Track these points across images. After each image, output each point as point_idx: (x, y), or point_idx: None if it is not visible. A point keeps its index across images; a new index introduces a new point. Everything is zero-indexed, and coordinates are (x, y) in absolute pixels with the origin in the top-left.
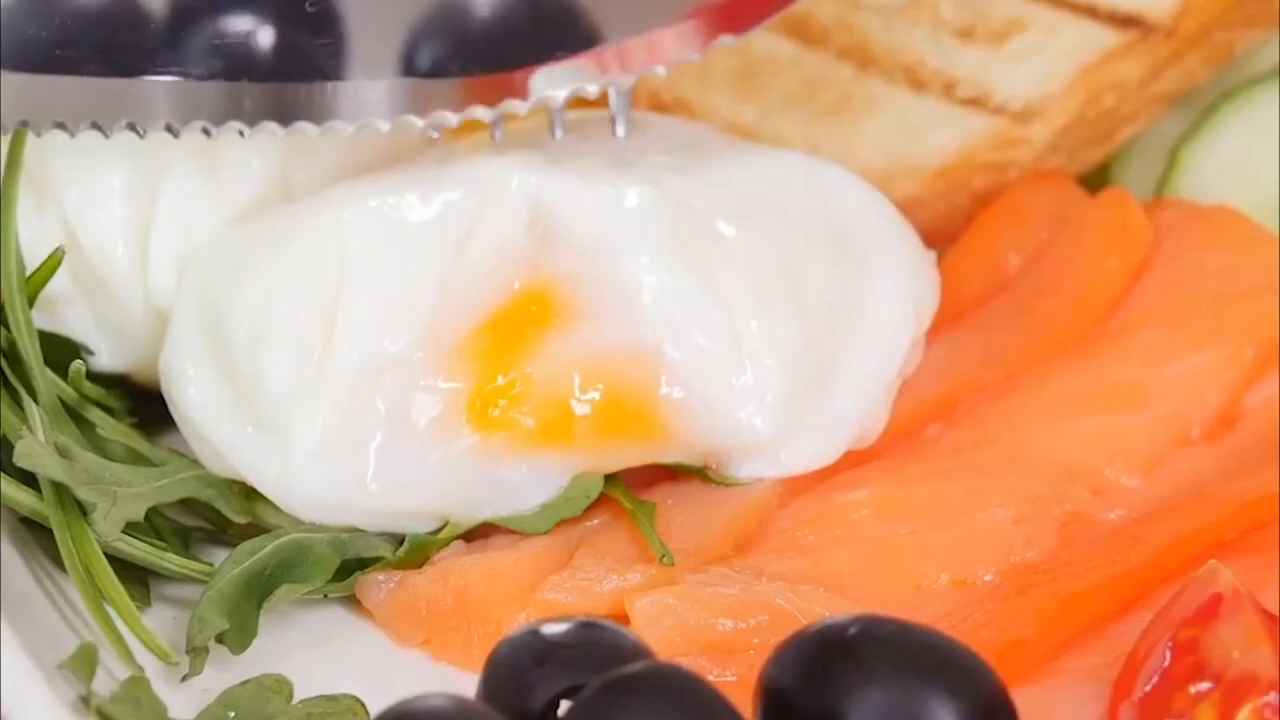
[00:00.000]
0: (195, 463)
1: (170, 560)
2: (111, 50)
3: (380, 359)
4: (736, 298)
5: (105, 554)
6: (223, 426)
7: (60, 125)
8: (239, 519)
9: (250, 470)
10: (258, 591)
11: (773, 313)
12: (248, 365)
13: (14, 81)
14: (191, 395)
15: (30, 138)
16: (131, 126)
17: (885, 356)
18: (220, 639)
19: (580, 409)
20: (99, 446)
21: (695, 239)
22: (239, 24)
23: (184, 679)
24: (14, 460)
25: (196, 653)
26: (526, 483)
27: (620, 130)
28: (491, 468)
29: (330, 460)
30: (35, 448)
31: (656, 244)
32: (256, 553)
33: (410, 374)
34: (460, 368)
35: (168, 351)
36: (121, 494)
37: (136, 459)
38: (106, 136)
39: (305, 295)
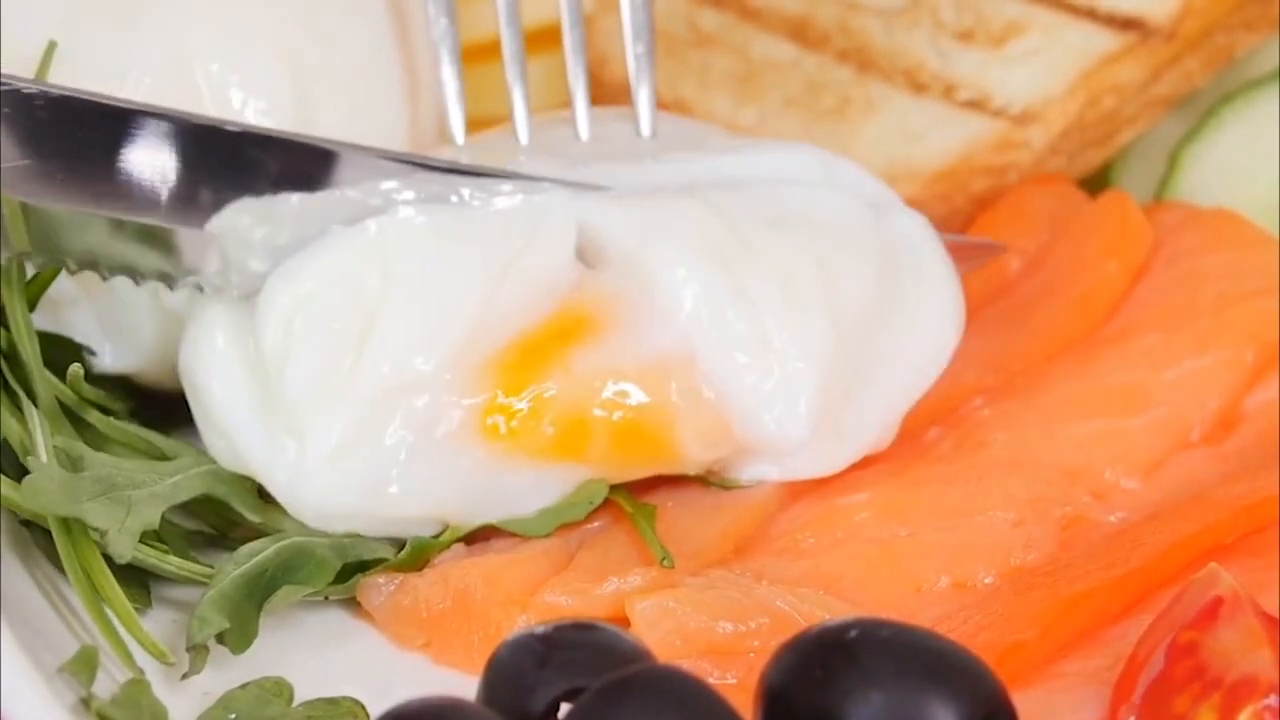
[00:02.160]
0: (207, 457)
1: (171, 562)
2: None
3: (410, 376)
4: (765, 303)
5: (105, 556)
6: (242, 421)
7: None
8: (253, 517)
9: (263, 468)
10: (259, 593)
11: (805, 320)
12: (275, 365)
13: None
14: (214, 386)
15: None
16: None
17: (922, 375)
18: (220, 639)
19: (599, 424)
20: (102, 447)
21: (731, 246)
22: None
23: (184, 677)
24: (22, 502)
25: (196, 651)
26: (532, 490)
27: (646, 129)
28: (501, 477)
29: (342, 468)
30: (41, 484)
31: (695, 255)
32: (258, 554)
33: (435, 391)
34: (484, 382)
35: (191, 341)
36: (135, 498)
37: (147, 453)
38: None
39: (344, 303)
